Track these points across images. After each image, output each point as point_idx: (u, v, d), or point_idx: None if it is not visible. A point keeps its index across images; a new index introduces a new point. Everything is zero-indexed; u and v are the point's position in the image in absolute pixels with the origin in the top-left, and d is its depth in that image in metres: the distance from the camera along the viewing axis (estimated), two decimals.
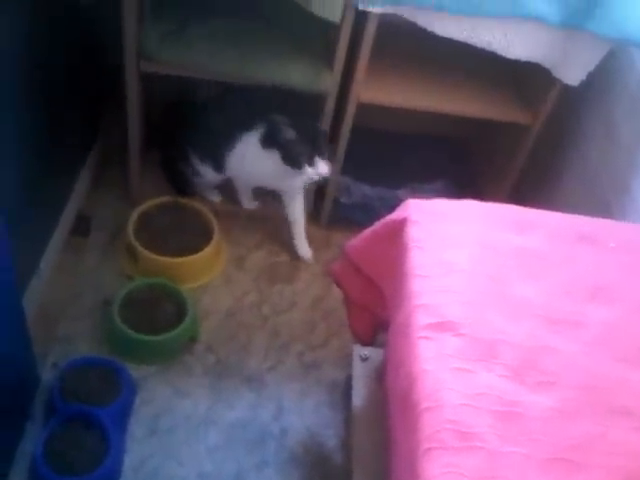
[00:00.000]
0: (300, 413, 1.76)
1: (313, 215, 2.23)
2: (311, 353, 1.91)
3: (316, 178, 1.88)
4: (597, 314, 1.22)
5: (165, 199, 2.08)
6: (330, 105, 1.94)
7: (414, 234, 1.33)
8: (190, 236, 2.03)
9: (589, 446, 1.04)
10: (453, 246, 1.31)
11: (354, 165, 2.14)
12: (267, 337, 1.92)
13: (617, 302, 1.25)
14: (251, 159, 1.92)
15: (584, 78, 1.83)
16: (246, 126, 1.91)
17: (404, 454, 1.07)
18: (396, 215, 1.40)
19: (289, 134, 1.83)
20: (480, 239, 1.34)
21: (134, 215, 2.00)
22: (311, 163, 1.84)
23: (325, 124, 1.97)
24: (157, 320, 1.83)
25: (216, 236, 2.03)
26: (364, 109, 1.95)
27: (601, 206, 1.86)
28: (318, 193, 2.18)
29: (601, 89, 1.95)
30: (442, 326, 1.17)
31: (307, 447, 1.71)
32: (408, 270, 1.28)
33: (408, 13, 1.71)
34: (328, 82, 1.88)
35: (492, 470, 0.99)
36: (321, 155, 1.85)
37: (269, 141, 1.87)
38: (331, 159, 1.89)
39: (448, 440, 1.01)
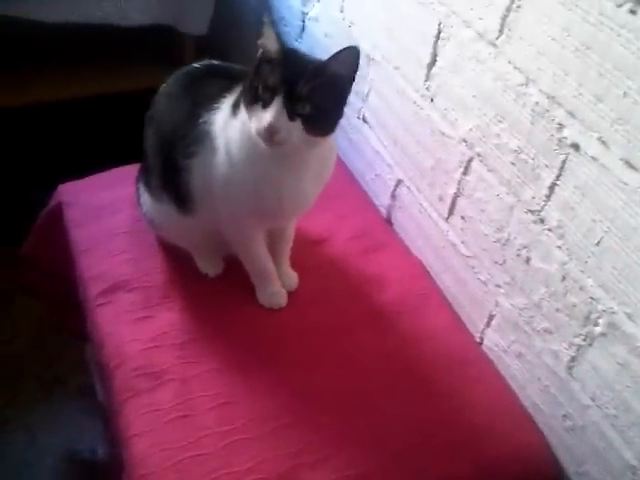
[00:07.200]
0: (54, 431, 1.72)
1: None
2: (51, 370, 1.85)
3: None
4: None
5: None
6: None
7: (70, 215, 1.35)
8: None
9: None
10: (111, 213, 1.35)
11: None
12: None
13: None
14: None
15: (207, 25, 1.93)
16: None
17: (109, 417, 1.10)
18: (52, 202, 1.41)
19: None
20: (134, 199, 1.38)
21: None
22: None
23: None
24: None
25: None
26: None
27: None
28: None
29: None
30: (113, 288, 1.21)
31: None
32: (73, 250, 1.30)
33: (6, 10, 1.67)
34: None
35: (187, 394, 1.06)
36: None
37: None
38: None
39: (138, 385, 1.06)
